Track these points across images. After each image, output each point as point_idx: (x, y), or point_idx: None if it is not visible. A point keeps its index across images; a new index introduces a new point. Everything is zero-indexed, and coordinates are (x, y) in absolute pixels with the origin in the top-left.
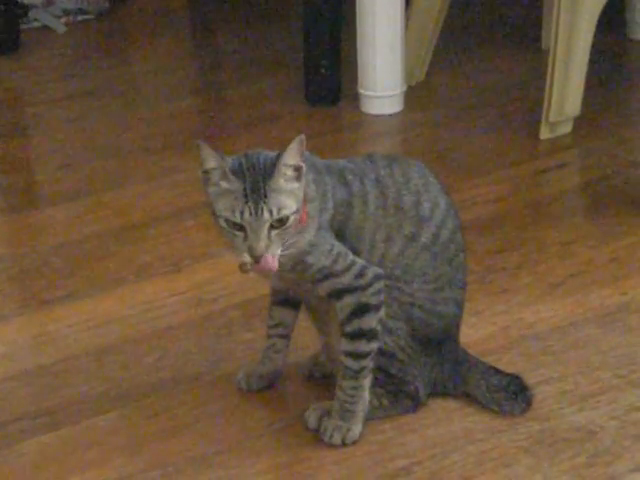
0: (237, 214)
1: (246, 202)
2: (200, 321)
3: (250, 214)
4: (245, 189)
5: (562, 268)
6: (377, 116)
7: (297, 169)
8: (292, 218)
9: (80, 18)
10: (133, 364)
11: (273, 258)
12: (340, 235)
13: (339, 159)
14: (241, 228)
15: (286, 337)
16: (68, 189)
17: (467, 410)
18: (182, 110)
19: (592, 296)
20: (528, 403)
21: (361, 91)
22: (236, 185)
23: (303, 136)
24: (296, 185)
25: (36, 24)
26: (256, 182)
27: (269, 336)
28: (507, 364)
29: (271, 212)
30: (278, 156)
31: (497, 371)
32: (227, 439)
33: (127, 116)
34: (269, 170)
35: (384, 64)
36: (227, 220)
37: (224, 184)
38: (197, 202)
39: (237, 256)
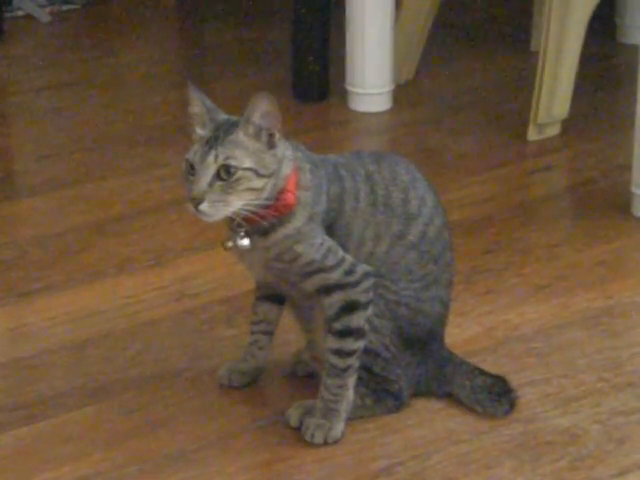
0: (191, 153)
1: (202, 146)
2: (182, 316)
3: (200, 156)
4: (209, 136)
5: (548, 270)
6: (365, 114)
7: (269, 133)
8: (241, 174)
9: (65, 8)
10: (112, 358)
11: (212, 207)
12: (329, 231)
13: (329, 154)
14: (193, 171)
15: (269, 334)
16: (49, 180)
17: (450, 411)
18: (167, 103)
19: (577, 299)
20: (512, 405)
21: (349, 88)
22: (205, 132)
23: (268, 94)
24: (263, 148)
25: (20, 13)
26: (220, 131)
27: (252, 332)
28: (492, 365)
29: (216, 157)
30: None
31: (481, 372)
32: (207, 436)
33: (111, 108)
34: (236, 124)
35: (373, 61)
36: (184, 161)
37: (199, 131)
38: (181, 196)
39: (186, 205)
